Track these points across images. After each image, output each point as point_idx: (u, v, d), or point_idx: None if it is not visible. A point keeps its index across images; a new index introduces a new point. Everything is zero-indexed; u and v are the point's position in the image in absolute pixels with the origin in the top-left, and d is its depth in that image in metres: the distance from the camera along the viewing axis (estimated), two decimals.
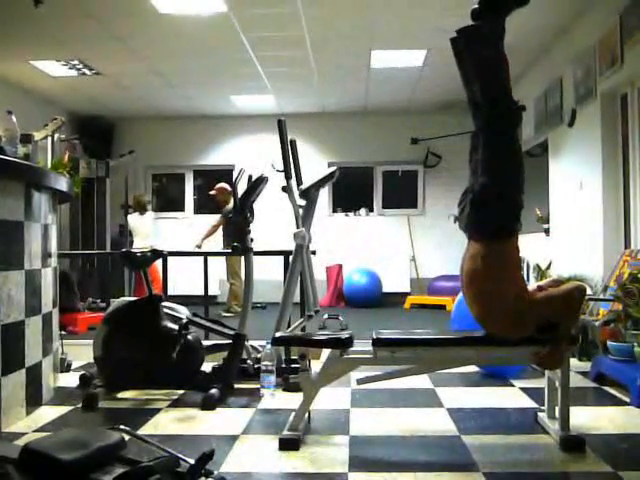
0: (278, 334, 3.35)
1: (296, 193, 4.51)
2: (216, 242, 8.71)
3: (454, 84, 8.72)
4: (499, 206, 2.96)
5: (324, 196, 10.45)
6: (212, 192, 8.80)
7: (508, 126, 3.00)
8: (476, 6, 3.04)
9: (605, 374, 4.13)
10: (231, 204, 8.05)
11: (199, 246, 8.47)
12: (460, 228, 3.11)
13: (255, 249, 4.21)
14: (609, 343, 4.14)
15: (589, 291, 5.55)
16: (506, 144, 3.00)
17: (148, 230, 8.85)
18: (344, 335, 3.08)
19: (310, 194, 4.58)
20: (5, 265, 3.24)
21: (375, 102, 10.06)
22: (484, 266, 2.92)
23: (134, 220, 8.96)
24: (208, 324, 4.32)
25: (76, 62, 7.75)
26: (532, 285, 3.22)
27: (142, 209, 8.92)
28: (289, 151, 4.48)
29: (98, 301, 7.73)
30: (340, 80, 8.82)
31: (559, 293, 2.94)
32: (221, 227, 8.67)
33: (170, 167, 11.25)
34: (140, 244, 8.31)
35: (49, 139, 4.94)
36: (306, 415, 3.12)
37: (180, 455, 2.03)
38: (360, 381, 3.13)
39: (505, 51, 3.02)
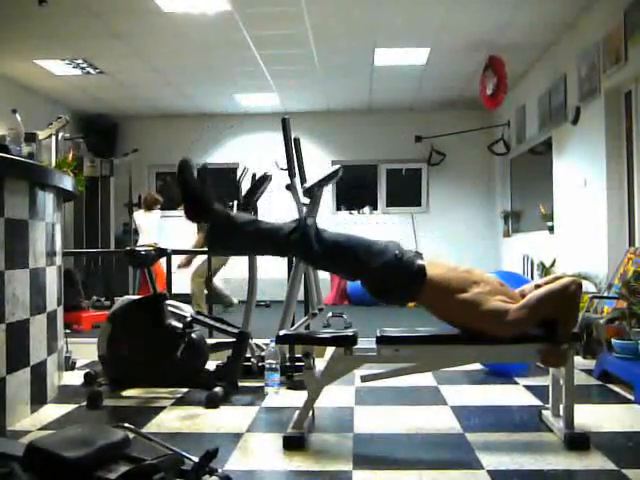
0: (282, 332, 3.35)
1: (300, 191, 4.50)
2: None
3: (458, 82, 8.82)
4: (383, 282, 3.00)
5: (328, 194, 10.46)
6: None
7: (306, 244, 2.97)
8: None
9: (609, 372, 4.12)
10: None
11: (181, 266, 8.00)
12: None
13: None
14: (613, 341, 4.13)
15: (593, 289, 5.55)
16: (319, 254, 2.98)
17: (153, 228, 8.83)
18: (348, 333, 3.08)
19: (314, 192, 4.56)
20: (10, 263, 3.25)
21: (379, 100, 10.05)
22: (440, 308, 3.06)
23: (139, 217, 8.96)
24: (212, 322, 4.32)
25: (80, 61, 7.76)
26: (530, 283, 3.21)
27: (148, 207, 8.91)
28: (293, 149, 4.48)
29: (102, 299, 7.76)
30: (344, 78, 8.82)
31: (554, 289, 2.93)
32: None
33: (174, 166, 11.03)
34: (144, 241, 8.30)
35: (53, 138, 4.93)
36: (310, 413, 3.12)
37: (184, 453, 2.03)
38: (364, 379, 3.13)
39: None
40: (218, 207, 3.05)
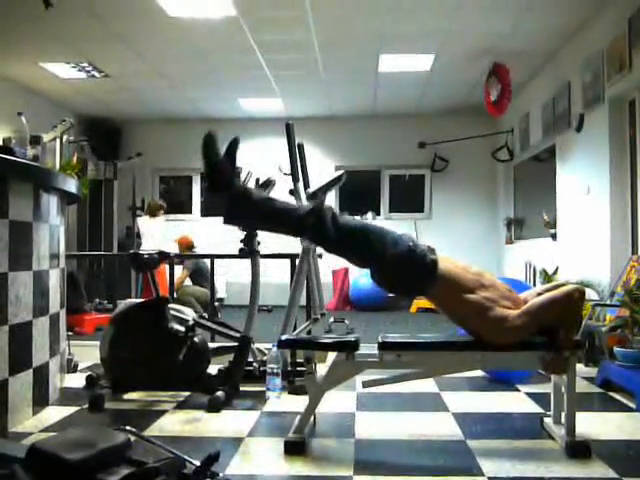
0: (284, 337, 3.35)
1: (303, 196, 4.52)
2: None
3: (462, 89, 8.83)
4: (400, 277, 3.00)
5: (331, 199, 10.46)
6: (176, 240, 8.78)
7: (322, 228, 2.96)
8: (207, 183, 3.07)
9: (611, 380, 4.12)
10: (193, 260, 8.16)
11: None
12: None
13: (262, 252, 4.22)
14: (616, 349, 4.13)
15: (596, 296, 5.54)
16: (342, 240, 2.99)
17: (156, 233, 8.85)
18: (350, 338, 3.08)
19: (317, 197, 4.58)
20: (14, 265, 3.25)
21: (383, 106, 10.07)
22: (447, 306, 3.04)
23: (143, 223, 8.99)
24: (214, 326, 4.33)
25: (85, 64, 7.79)
26: (532, 290, 3.22)
27: (152, 213, 8.93)
28: (297, 154, 4.49)
29: (105, 302, 7.76)
30: (348, 84, 8.84)
31: (557, 296, 2.93)
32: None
33: (177, 170, 11.29)
34: (147, 247, 8.32)
35: (58, 141, 4.95)
36: (311, 418, 3.12)
37: (186, 457, 2.03)
38: (366, 384, 3.13)
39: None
40: (238, 182, 3.12)
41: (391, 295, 3.17)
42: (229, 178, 3.04)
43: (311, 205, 3.08)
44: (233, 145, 3.08)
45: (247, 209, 3.04)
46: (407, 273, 2.99)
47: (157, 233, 8.81)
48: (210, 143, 3.04)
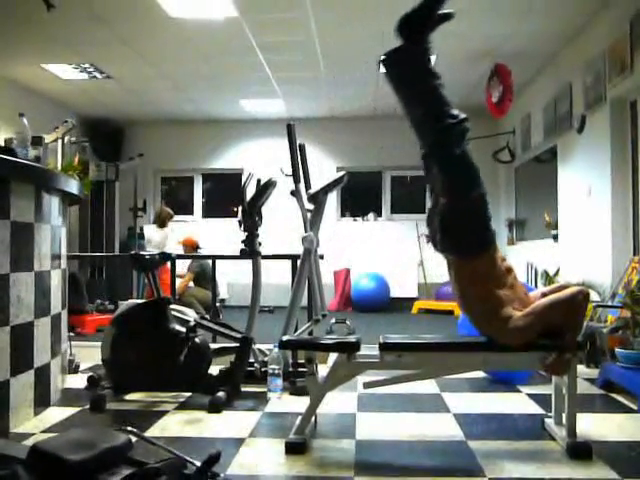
0: (285, 338, 3.36)
1: (304, 197, 4.52)
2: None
3: (463, 90, 8.82)
4: (466, 223, 2.95)
5: (332, 200, 10.46)
6: (179, 242, 8.77)
7: (455, 140, 2.97)
8: (399, 25, 2.98)
9: (613, 381, 4.12)
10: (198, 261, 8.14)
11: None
12: (435, 250, 3.12)
13: (263, 253, 4.22)
14: (617, 350, 4.12)
15: (597, 297, 5.54)
16: (457, 159, 2.98)
17: (161, 241, 8.83)
18: (351, 339, 3.09)
19: (318, 198, 4.58)
20: (15, 266, 3.26)
21: (384, 107, 10.05)
22: (468, 285, 2.97)
23: (150, 231, 9.02)
24: (216, 327, 4.34)
25: (87, 65, 7.79)
26: (537, 291, 3.22)
27: (162, 223, 8.94)
28: (298, 155, 4.49)
29: (106, 303, 7.77)
30: (349, 85, 8.83)
31: (561, 298, 2.94)
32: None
33: (179, 170, 11.30)
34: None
35: (59, 142, 4.97)
36: (312, 419, 3.12)
37: (187, 457, 2.04)
38: (367, 385, 3.14)
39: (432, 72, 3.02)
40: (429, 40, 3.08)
41: (439, 250, 3.08)
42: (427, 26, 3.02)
43: (463, 116, 3.01)
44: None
45: (422, 66, 3.03)
46: (474, 224, 2.97)
47: (162, 243, 8.77)
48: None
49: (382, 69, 3.08)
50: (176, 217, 9.84)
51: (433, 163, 3.00)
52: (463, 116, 3.00)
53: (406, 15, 2.96)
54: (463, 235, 2.97)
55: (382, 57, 3.01)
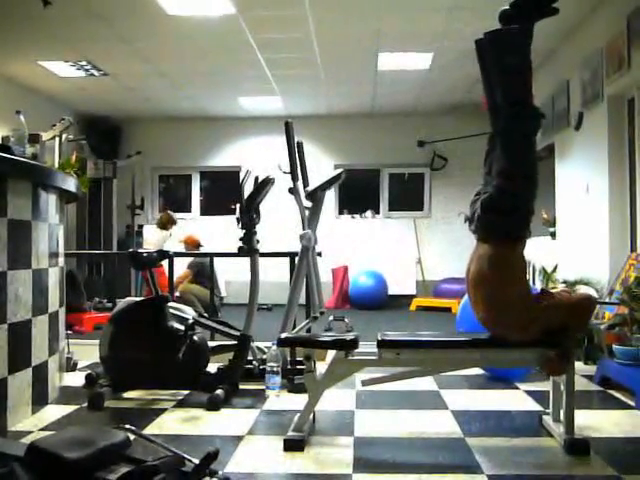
0: (283, 335, 3.36)
1: (302, 195, 4.52)
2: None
3: (461, 87, 8.82)
4: (511, 210, 2.95)
5: (330, 198, 10.46)
6: (181, 241, 8.77)
7: (527, 131, 3.01)
8: (507, 8, 3.00)
9: (610, 378, 4.13)
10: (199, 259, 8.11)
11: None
12: (470, 229, 3.11)
13: (261, 250, 4.22)
14: (614, 347, 4.13)
15: (595, 294, 5.54)
16: (524, 149, 3.01)
17: (159, 242, 8.81)
18: (349, 336, 3.09)
19: (316, 196, 4.58)
20: (13, 264, 3.25)
21: (382, 104, 10.06)
22: (490, 268, 2.94)
23: (150, 233, 9.01)
24: (214, 325, 4.33)
25: (84, 63, 7.78)
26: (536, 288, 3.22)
27: (163, 226, 8.93)
28: (296, 153, 4.49)
29: (104, 301, 7.76)
30: (347, 82, 8.83)
31: (569, 301, 2.96)
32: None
33: (177, 168, 11.29)
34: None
35: (57, 139, 4.95)
36: (311, 416, 3.13)
37: (185, 455, 2.04)
38: (365, 382, 3.14)
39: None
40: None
41: (479, 229, 3.07)
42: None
43: (541, 111, 3.10)
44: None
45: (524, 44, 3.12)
46: (521, 210, 2.97)
47: (159, 243, 8.75)
48: None
49: (478, 45, 3.22)
50: (174, 214, 9.84)
51: (501, 143, 3.00)
52: (541, 111, 3.09)
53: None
54: (508, 217, 2.97)
55: (487, 34, 3.08)
